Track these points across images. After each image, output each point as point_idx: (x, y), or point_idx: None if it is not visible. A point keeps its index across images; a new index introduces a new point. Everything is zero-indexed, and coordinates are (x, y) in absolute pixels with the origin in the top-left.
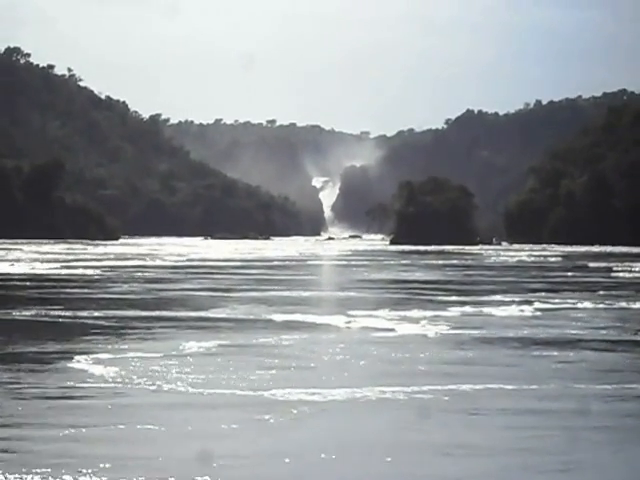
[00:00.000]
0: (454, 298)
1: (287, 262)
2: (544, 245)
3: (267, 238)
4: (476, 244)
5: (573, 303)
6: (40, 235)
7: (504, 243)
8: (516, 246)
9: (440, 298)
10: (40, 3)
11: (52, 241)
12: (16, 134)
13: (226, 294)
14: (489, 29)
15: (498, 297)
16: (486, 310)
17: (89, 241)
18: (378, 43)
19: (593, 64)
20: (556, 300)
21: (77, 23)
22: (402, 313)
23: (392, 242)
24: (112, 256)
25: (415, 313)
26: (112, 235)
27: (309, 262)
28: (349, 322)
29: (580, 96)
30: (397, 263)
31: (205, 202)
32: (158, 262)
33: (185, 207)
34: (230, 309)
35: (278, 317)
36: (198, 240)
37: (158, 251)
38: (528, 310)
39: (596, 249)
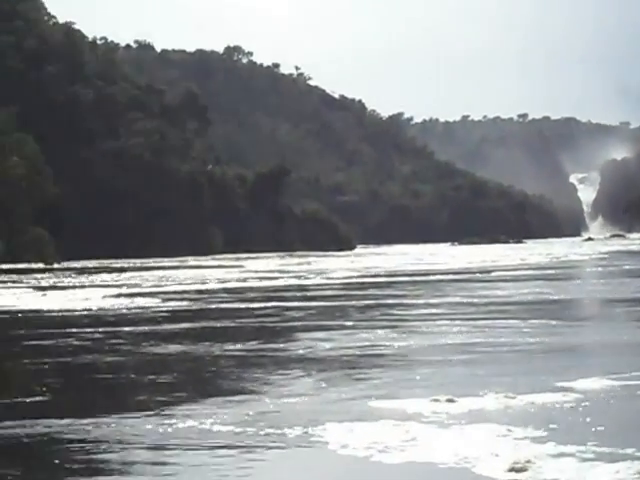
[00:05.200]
0: None
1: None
2: None
3: (519, 241)
4: None
5: None
6: (268, 248)
7: None
8: None
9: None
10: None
11: (281, 254)
12: (243, 140)
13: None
14: None
15: None
16: None
17: (320, 252)
18: None
19: None
20: None
21: (298, 16)
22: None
23: None
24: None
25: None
26: (347, 245)
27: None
28: None
29: None
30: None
31: (453, 205)
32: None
33: (431, 211)
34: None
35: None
36: (442, 247)
37: (353, 264)
38: None
39: None
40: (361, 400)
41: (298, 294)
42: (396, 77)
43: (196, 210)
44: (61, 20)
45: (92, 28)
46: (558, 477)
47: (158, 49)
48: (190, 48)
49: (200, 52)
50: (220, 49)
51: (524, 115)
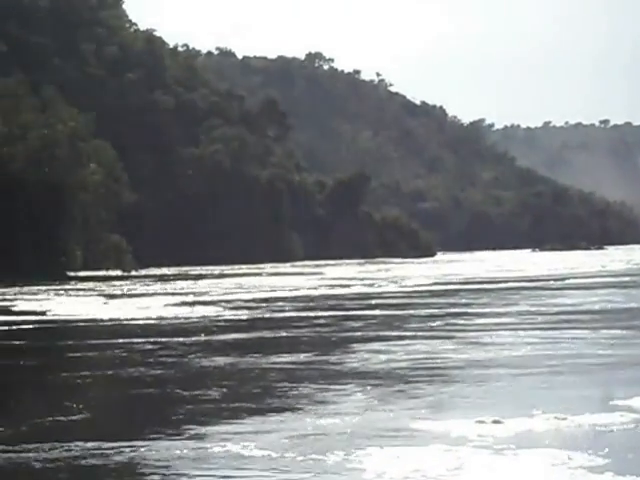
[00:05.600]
0: None
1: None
2: None
3: (600, 248)
4: None
5: None
6: (348, 255)
7: None
8: None
9: None
10: (338, 5)
11: (361, 261)
12: (324, 147)
13: None
14: None
15: None
16: None
17: (400, 259)
18: None
19: None
20: None
21: (378, 22)
22: None
23: None
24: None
25: None
26: (427, 252)
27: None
28: None
29: None
30: None
31: (534, 211)
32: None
33: (512, 218)
34: None
35: None
36: (523, 253)
37: (431, 271)
38: None
39: None
40: (408, 420)
41: (365, 302)
42: (477, 83)
43: (276, 217)
44: (142, 27)
45: (173, 35)
46: None
47: (239, 56)
48: (271, 55)
49: (281, 59)
50: (301, 55)
51: (606, 121)
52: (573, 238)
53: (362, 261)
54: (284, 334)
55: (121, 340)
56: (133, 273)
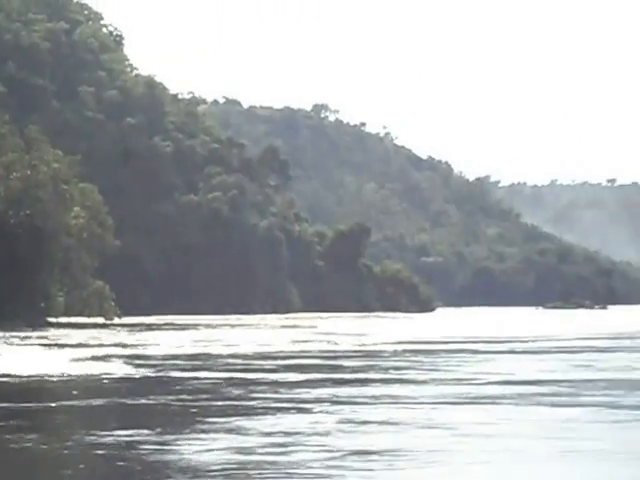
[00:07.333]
0: None
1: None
2: None
3: (603, 307)
4: None
5: None
6: (346, 307)
7: None
8: None
9: None
10: (345, 58)
11: (358, 314)
12: (328, 198)
13: None
14: None
15: None
16: None
17: (398, 313)
18: None
19: None
20: None
21: (385, 75)
22: None
23: None
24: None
25: None
26: (426, 307)
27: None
28: None
29: None
30: None
31: (538, 269)
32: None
33: (516, 274)
34: None
35: None
36: (525, 311)
37: (412, 329)
38: None
39: None
40: None
41: (290, 363)
42: (484, 140)
43: (274, 267)
44: (144, 73)
45: (179, 83)
46: None
47: (245, 105)
48: (277, 105)
49: (287, 109)
50: (307, 106)
51: (612, 180)
52: (577, 297)
53: (358, 315)
54: (144, 401)
55: None
56: (115, 321)
